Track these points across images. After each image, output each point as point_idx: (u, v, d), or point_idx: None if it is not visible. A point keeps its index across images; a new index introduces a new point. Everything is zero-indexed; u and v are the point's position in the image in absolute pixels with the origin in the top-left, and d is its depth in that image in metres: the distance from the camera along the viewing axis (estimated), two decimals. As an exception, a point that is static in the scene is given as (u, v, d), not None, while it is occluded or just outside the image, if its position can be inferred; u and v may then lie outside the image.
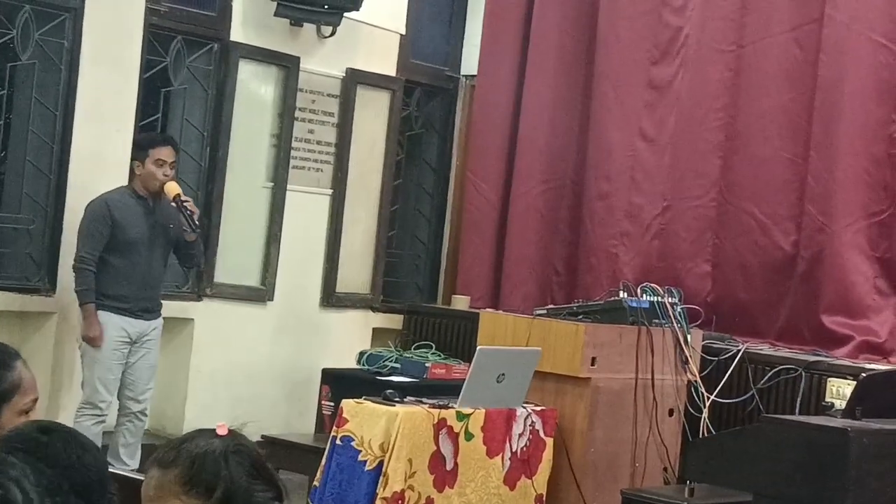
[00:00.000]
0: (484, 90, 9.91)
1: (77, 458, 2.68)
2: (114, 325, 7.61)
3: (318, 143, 9.43)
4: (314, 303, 9.45)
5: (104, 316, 7.61)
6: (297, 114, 9.26)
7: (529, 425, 7.02)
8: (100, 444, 7.55)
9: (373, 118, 9.72)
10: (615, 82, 9.26)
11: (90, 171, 8.07)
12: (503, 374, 6.86)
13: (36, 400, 3.36)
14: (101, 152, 8.16)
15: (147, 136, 8.14)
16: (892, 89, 8.29)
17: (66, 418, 7.74)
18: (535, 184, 9.60)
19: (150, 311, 7.77)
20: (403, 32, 9.84)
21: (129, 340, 7.65)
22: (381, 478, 6.42)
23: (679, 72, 9.04)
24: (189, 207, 7.64)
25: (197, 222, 7.69)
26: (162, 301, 7.95)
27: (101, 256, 7.62)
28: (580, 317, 7.55)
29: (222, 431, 2.91)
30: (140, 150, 7.79)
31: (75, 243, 7.82)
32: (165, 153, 7.70)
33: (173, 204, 7.63)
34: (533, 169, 9.61)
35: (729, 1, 8.85)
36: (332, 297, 9.52)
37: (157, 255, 7.75)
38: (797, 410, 7.77)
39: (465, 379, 6.87)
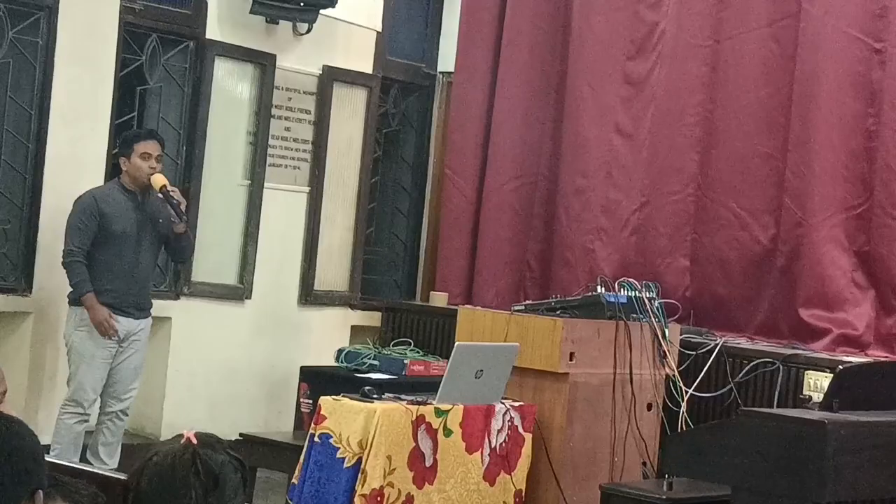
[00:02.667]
0: (461, 86, 9.90)
1: (14, 444, 2.68)
2: None
3: (295, 140, 9.41)
4: (292, 301, 9.44)
5: None
6: (274, 111, 9.24)
7: (508, 421, 7.01)
8: (82, 443, 7.56)
9: (350, 115, 9.71)
10: (591, 78, 9.26)
11: (66, 170, 8.04)
12: (481, 370, 6.85)
13: (5, 392, 3.34)
14: (76, 151, 8.13)
15: (132, 131, 8.17)
16: (868, 83, 8.30)
17: (45, 418, 7.73)
18: (508, 180, 9.59)
19: (140, 309, 7.71)
20: (380, 29, 9.83)
21: (116, 339, 7.59)
22: (359, 475, 6.41)
23: (655, 67, 9.04)
24: (176, 197, 7.62)
25: (184, 212, 7.67)
26: (152, 300, 7.90)
27: (89, 252, 7.59)
28: (558, 312, 7.56)
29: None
30: (125, 145, 7.77)
31: (51, 243, 7.80)
32: (150, 147, 7.68)
33: (160, 195, 7.61)
34: (505, 165, 9.61)
35: (705, -5, 8.87)
36: (310, 295, 9.51)
37: (145, 250, 7.70)
38: (775, 404, 7.78)
39: (443, 375, 6.87)
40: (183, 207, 7.67)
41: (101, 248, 7.60)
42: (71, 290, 7.59)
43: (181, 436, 2.89)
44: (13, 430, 2.71)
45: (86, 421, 7.62)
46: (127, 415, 7.78)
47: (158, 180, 7.62)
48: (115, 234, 7.59)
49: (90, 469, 4.36)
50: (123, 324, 7.62)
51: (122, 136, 7.94)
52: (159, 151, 7.73)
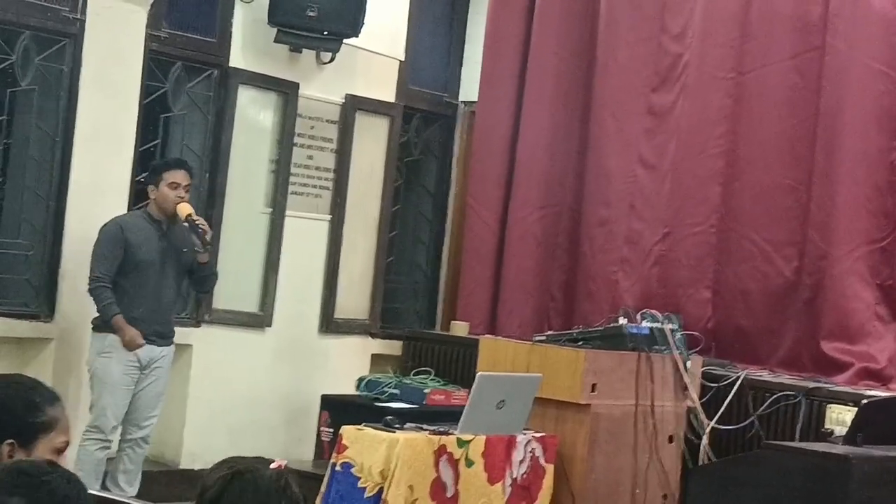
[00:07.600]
0: (484, 116, 9.90)
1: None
2: (125, 350, 7.58)
3: (317, 168, 9.42)
4: (313, 329, 9.43)
5: (115, 340, 7.58)
6: (296, 140, 9.25)
7: (530, 452, 6.99)
8: (103, 470, 7.57)
9: (372, 144, 9.72)
10: (614, 109, 9.26)
11: (89, 197, 8.06)
12: (503, 401, 6.83)
13: (67, 444, 3.36)
14: (100, 178, 8.15)
15: (162, 160, 8.24)
16: (892, 117, 8.29)
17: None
18: (532, 210, 9.59)
19: (163, 337, 7.74)
20: (402, 59, 9.84)
21: (138, 366, 7.62)
22: (380, 504, 6.40)
23: (679, 99, 9.03)
24: (201, 226, 7.66)
25: (209, 242, 7.71)
26: (175, 329, 7.93)
27: (114, 280, 7.62)
28: (580, 343, 7.55)
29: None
30: (154, 174, 7.82)
31: (74, 269, 7.82)
32: (179, 176, 7.74)
33: (185, 223, 7.65)
34: (530, 195, 9.60)
35: (729, 28, 8.85)
36: (330, 323, 9.50)
37: (168, 278, 7.74)
38: (797, 437, 7.74)
39: (464, 405, 6.85)
40: (208, 237, 7.70)
41: (126, 277, 7.63)
42: (97, 315, 7.61)
43: (255, 459, 3.09)
44: (70, 493, 2.73)
45: (107, 448, 7.62)
46: (147, 442, 7.79)
47: (184, 209, 7.67)
48: (139, 262, 7.62)
49: (112, 497, 4.35)
50: (147, 351, 7.63)
51: (152, 166, 8.01)
52: (188, 181, 7.78)
